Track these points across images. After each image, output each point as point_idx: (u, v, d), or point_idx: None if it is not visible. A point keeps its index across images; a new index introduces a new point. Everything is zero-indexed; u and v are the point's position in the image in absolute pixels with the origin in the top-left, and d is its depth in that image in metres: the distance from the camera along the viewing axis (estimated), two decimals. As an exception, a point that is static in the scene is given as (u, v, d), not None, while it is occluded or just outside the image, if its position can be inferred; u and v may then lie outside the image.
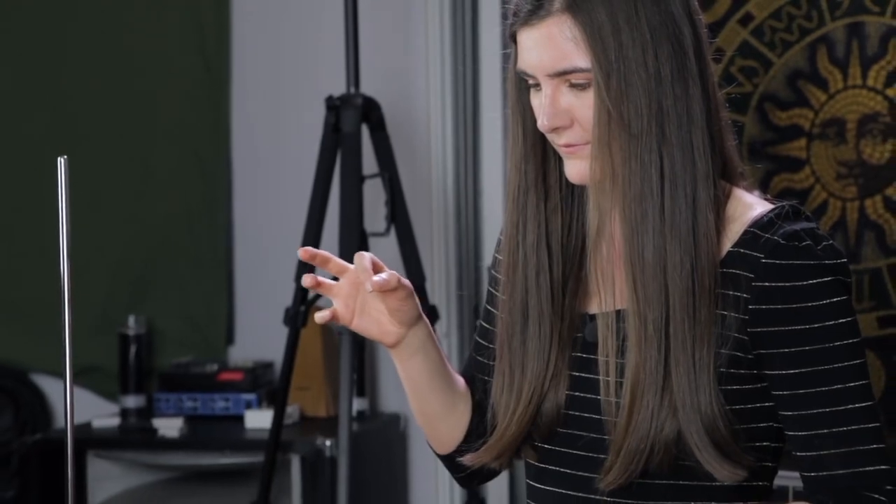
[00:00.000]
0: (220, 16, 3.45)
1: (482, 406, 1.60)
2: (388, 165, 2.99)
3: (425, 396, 1.61)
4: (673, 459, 1.45)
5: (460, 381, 1.64)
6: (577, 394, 1.52)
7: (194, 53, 3.46)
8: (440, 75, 3.28)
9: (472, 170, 3.34)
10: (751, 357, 1.46)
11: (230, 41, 3.46)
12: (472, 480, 1.69)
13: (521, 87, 1.52)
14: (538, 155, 1.54)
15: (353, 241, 2.88)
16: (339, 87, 3.00)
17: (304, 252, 1.53)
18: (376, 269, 1.50)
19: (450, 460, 1.66)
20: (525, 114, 1.52)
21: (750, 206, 1.50)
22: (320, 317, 1.53)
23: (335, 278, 1.56)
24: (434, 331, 1.60)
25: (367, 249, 2.91)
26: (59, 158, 1.42)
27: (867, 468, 1.44)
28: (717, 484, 1.45)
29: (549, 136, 1.50)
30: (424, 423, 1.65)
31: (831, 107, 3.06)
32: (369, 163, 2.98)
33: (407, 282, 1.52)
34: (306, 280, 1.51)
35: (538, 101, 1.48)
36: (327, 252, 1.55)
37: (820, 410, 1.44)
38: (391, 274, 1.49)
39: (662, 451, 1.44)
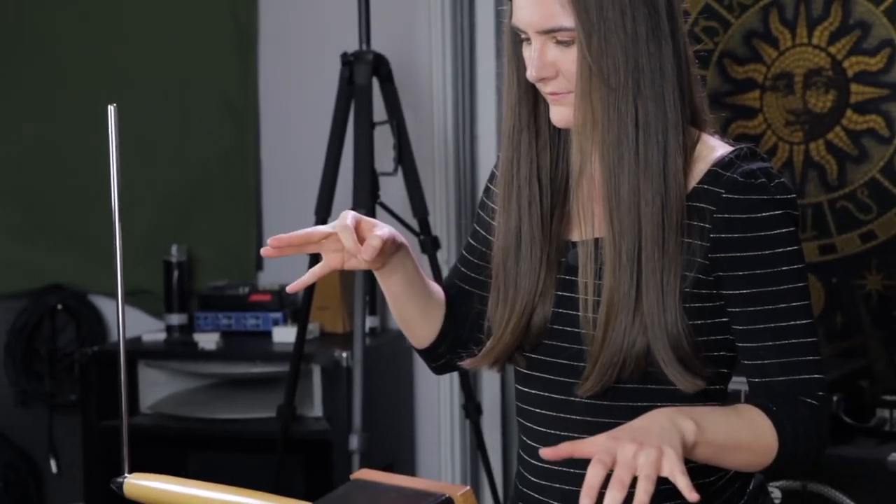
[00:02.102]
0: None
1: (481, 315, 1.59)
2: (396, 113, 2.97)
3: (403, 303, 1.61)
4: (642, 370, 1.45)
5: (437, 290, 1.64)
6: (561, 310, 1.51)
7: (227, 18, 3.44)
8: (441, 34, 3.26)
9: (468, 117, 3.32)
10: (711, 279, 1.46)
11: (258, 6, 3.44)
12: (443, 369, 1.69)
13: (515, 40, 1.50)
14: (530, 99, 1.52)
15: (365, 179, 2.87)
16: (352, 45, 2.98)
17: (271, 252, 1.48)
18: (359, 226, 1.48)
19: (425, 353, 1.66)
20: (519, 63, 1.50)
21: (713, 148, 1.49)
22: (291, 288, 1.54)
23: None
24: (411, 253, 1.59)
25: (377, 187, 2.91)
26: (108, 107, 1.41)
27: (803, 376, 1.44)
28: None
29: (538, 85, 1.48)
30: (403, 325, 1.65)
31: (781, 62, 3.05)
32: (379, 111, 2.97)
33: (389, 231, 1.50)
34: (265, 252, 1.49)
35: (529, 54, 1.47)
36: (298, 232, 1.49)
37: (766, 325, 1.44)
38: (376, 238, 1.46)
39: (633, 364, 1.44)
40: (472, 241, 1.66)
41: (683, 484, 1.25)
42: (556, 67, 1.45)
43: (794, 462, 1.43)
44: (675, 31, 1.46)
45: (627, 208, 1.44)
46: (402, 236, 1.56)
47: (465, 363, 1.59)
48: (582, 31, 1.42)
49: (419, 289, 1.60)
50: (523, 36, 1.47)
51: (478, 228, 1.65)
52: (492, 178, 1.63)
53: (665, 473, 1.26)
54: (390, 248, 1.53)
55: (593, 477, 1.25)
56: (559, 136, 1.54)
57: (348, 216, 1.48)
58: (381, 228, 1.50)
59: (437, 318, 1.63)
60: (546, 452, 1.29)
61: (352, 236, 1.46)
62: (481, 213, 1.65)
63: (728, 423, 1.39)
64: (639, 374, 1.46)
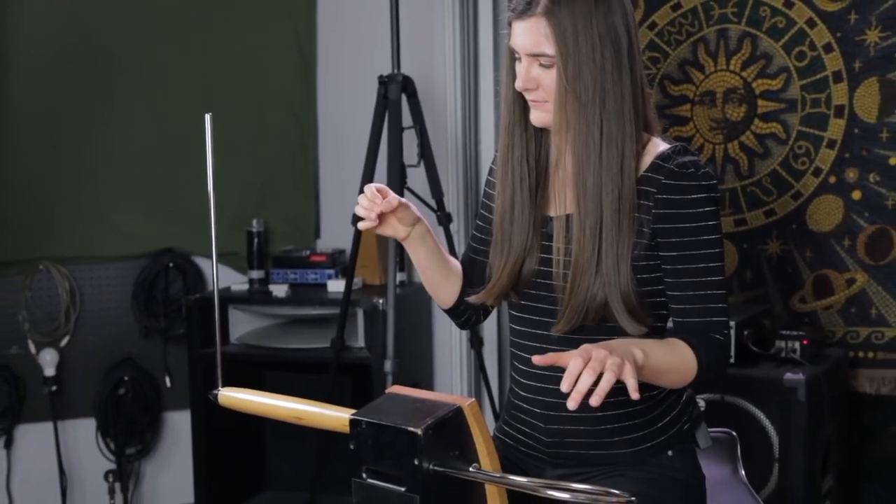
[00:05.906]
0: (309, 21, 3.40)
1: (485, 270, 1.59)
2: (419, 120, 2.96)
3: (429, 270, 1.60)
4: (601, 318, 1.45)
5: (455, 262, 1.64)
6: (542, 268, 1.51)
7: (293, 48, 3.42)
8: (453, 62, 3.24)
9: (473, 123, 3.31)
10: (653, 244, 1.45)
11: (316, 39, 3.41)
12: (465, 324, 1.69)
13: (512, 56, 1.50)
14: (522, 101, 1.51)
15: (396, 170, 2.86)
16: (386, 69, 2.96)
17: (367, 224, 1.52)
18: (383, 192, 1.51)
19: (450, 312, 1.66)
20: (514, 74, 1.50)
21: (657, 145, 1.49)
22: (363, 225, 1.53)
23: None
24: (432, 232, 1.60)
25: (405, 177, 2.89)
26: (206, 115, 1.40)
27: (715, 318, 1.44)
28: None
29: (523, 93, 1.48)
30: (429, 288, 1.65)
31: (707, 83, 3.04)
32: (406, 119, 2.95)
33: (401, 199, 1.51)
34: (363, 225, 1.51)
35: (519, 69, 1.46)
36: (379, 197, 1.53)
37: (689, 280, 1.44)
38: (393, 198, 1.50)
39: (594, 312, 1.44)
40: (479, 222, 1.66)
41: (632, 385, 1.25)
42: (537, 82, 1.45)
43: (707, 381, 1.43)
44: (633, 65, 1.45)
45: (591, 196, 1.43)
46: (422, 215, 1.56)
47: (472, 298, 1.59)
48: (560, 59, 1.41)
49: (440, 260, 1.60)
50: (517, 55, 1.47)
51: (483, 211, 1.65)
52: (491, 171, 1.63)
53: (622, 377, 1.26)
54: (406, 215, 1.52)
55: (574, 367, 1.24)
56: (542, 131, 1.53)
57: (373, 189, 1.50)
58: (399, 198, 1.51)
59: (456, 284, 1.63)
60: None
61: (375, 194, 1.49)
62: (485, 200, 1.64)
63: (664, 353, 1.39)
64: (598, 320, 1.45)
